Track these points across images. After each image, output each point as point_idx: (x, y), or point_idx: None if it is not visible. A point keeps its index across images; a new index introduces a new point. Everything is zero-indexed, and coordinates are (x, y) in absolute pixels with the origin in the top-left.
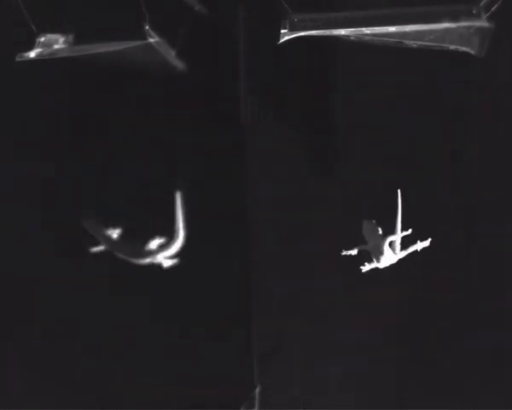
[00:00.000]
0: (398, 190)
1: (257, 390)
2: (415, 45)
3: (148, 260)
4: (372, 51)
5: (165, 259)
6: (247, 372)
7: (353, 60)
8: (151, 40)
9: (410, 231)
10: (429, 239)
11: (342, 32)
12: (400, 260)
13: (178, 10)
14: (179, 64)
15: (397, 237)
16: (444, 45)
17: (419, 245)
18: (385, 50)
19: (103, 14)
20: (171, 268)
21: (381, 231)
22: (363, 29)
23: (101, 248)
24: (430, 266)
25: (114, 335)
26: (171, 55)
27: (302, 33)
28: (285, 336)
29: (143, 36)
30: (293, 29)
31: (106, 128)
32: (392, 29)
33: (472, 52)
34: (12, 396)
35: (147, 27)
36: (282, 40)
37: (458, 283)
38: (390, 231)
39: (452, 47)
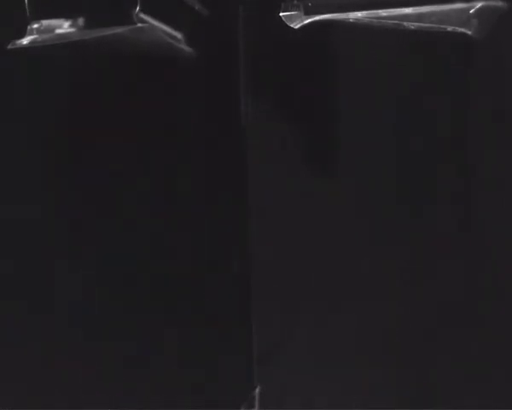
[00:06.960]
0: None
1: (257, 390)
2: (412, 27)
3: None
4: (372, 49)
5: None
6: (247, 372)
7: (355, 60)
8: (140, 25)
9: None
10: None
11: (359, 14)
12: (403, 265)
13: (178, 10)
14: (186, 48)
15: None
16: (442, 27)
17: None
18: (386, 42)
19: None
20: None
21: None
22: (380, 11)
23: None
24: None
25: (115, 331)
26: (176, 39)
27: (317, 17)
28: (285, 336)
29: (134, 20)
30: (307, 13)
31: None
32: (408, 10)
33: (469, 32)
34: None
35: (136, 11)
36: (299, 25)
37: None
38: None
39: (450, 28)
